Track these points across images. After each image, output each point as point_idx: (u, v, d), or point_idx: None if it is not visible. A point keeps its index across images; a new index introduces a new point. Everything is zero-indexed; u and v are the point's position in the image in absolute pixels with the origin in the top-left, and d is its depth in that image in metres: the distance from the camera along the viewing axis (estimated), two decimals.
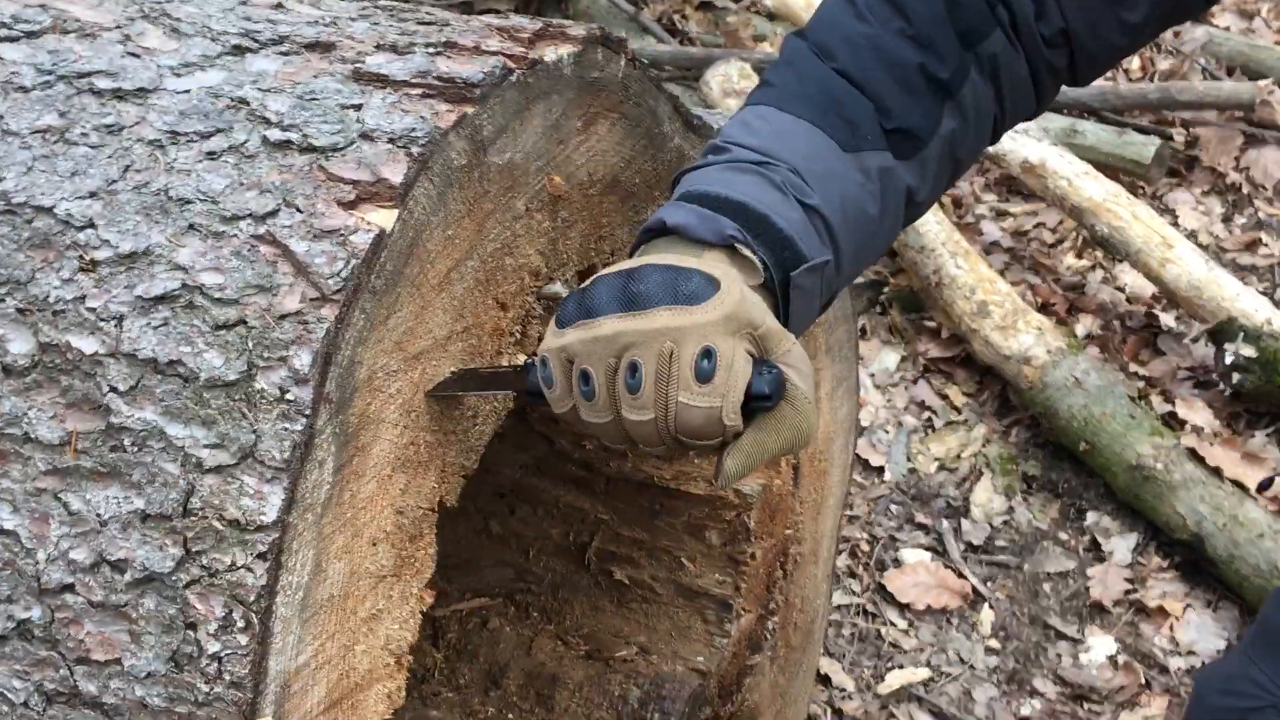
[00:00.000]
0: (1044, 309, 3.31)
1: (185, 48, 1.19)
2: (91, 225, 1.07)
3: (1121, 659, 2.72)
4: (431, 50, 1.14)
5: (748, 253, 1.03)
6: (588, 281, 1.02)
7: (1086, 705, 2.66)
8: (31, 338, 1.06)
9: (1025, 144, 3.28)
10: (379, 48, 1.16)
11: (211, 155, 1.08)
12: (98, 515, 1.02)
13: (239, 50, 1.18)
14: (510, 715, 1.87)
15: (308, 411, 0.98)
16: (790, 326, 1.08)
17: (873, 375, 3.31)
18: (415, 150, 1.05)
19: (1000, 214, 3.66)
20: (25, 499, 1.05)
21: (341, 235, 1.01)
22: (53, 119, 1.15)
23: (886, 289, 3.44)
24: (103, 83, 1.16)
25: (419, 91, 1.10)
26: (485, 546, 2.08)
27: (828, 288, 1.12)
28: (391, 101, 1.09)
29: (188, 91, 1.14)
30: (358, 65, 1.13)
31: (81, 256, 1.06)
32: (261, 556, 0.97)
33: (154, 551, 1.00)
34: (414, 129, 1.06)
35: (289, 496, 0.98)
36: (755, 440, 0.99)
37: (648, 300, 0.98)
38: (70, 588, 1.03)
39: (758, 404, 0.98)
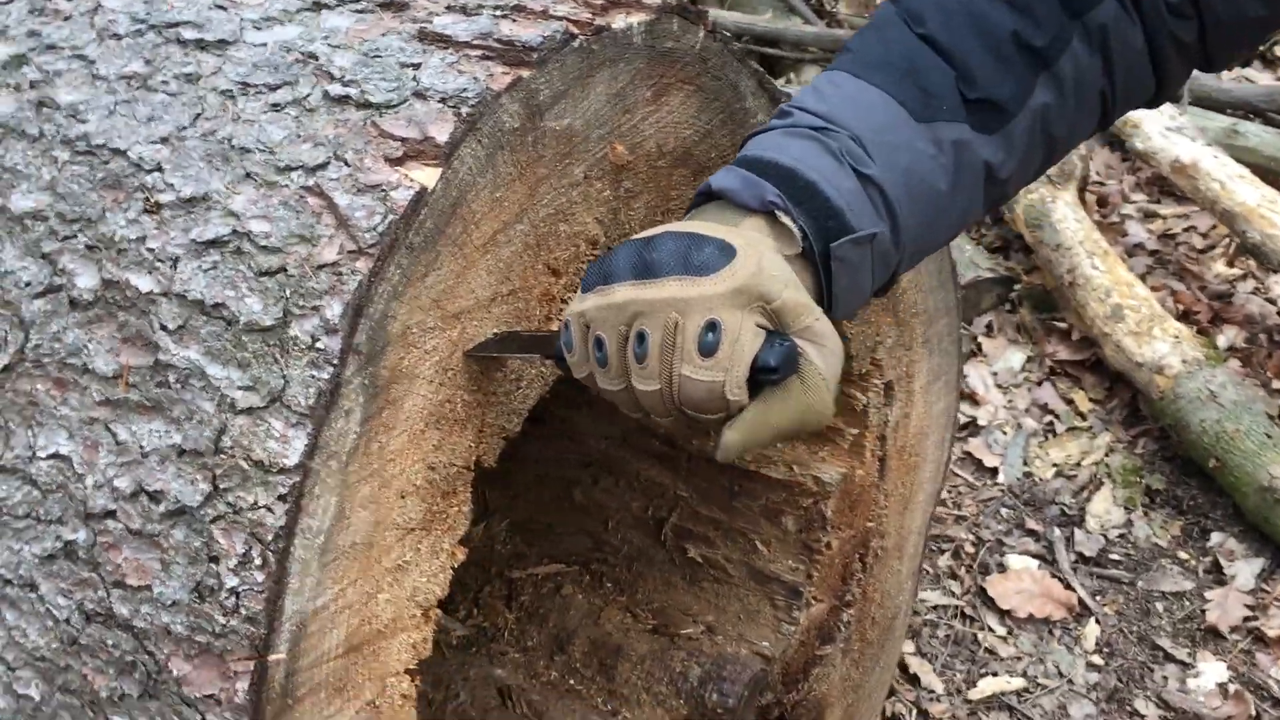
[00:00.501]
0: (1185, 317, 3.16)
1: (270, 3, 1.23)
2: (159, 169, 1.11)
3: (1233, 688, 2.59)
4: (499, 13, 1.15)
5: (787, 220, 1.01)
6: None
7: None
8: (97, 273, 1.11)
9: (1178, 142, 3.13)
10: (449, 9, 1.18)
11: (276, 107, 1.11)
12: (140, 447, 1.07)
13: (317, 6, 1.20)
14: (572, 681, 1.89)
15: (335, 361, 1.00)
16: (835, 300, 1.05)
17: (995, 374, 3.22)
18: (464, 111, 1.05)
19: (1149, 215, 3.50)
20: (80, 427, 1.10)
21: (383, 190, 1.03)
22: (139, 66, 1.20)
23: (1018, 286, 3.33)
24: (188, 33, 1.21)
25: (478, 53, 1.11)
26: (567, 514, 2.10)
27: (882, 263, 1.08)
28: (450, 62, 1.10)
29: (264, 45, 1.17)
30: (424, 25, 1.15)
31: (147, 199, 1.10)
32: (282, 498, 1.00)
33: (186, 485, 1.04)
34: (465, 89, 1.06)
35: (312, 442, 1.00)
36: (759, 414, 0.97)
37: (660, 269, 0.97)
38: (112, 514, 1.08)
39: (763, 377, 0.95)
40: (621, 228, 1.27)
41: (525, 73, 1.09)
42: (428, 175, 1.04)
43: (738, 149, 1.39)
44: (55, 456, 1.11)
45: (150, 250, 1.08)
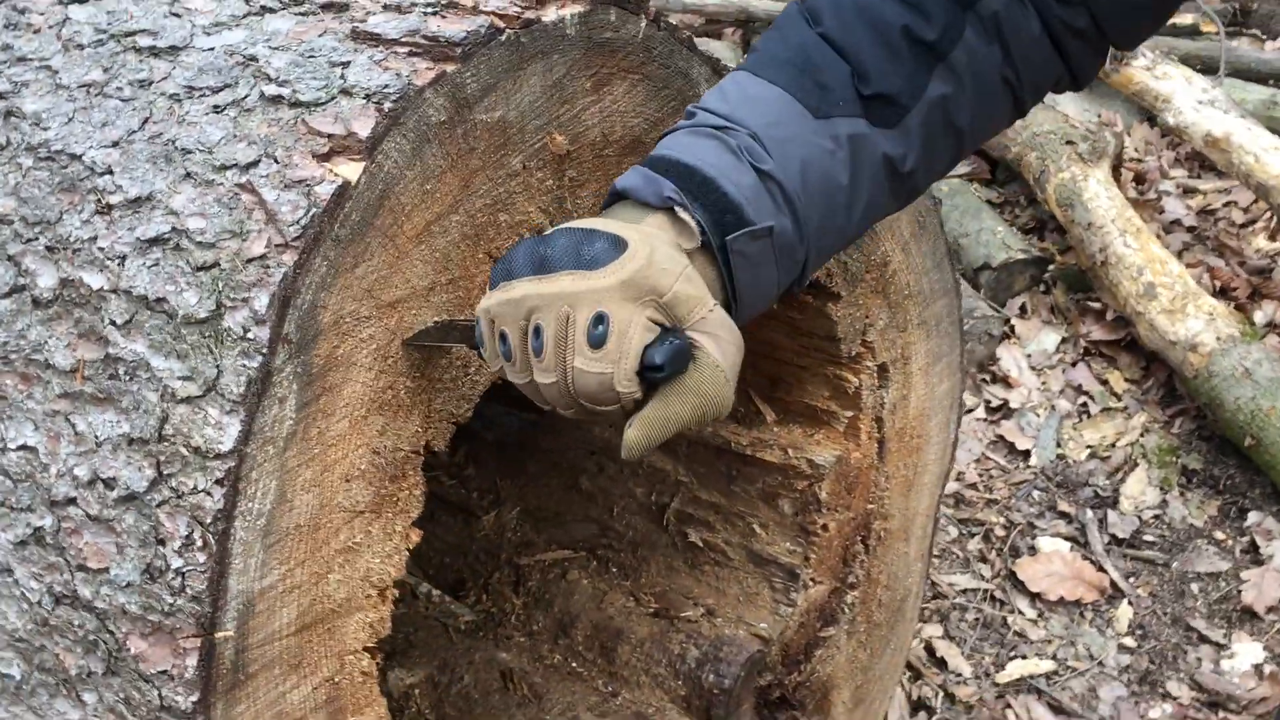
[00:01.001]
0: (1223, 293, 3.10)
1: (221, 8, 1.28)
2: (110, 171, 1.17)
3: (1268, 669, 2.54)
4: (430, 10, 1.19)
5: (685, 216, 1.03)
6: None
7: (1222, 713, 2.50)
8: (55, 273, 1.17)
9: (1210, 115, 3.08)
10: (385, 8, 1.21)
11: (216, 109, 1.16)
12: (95, 437, 1.12)
13: (264, 10, 1.25)
14: (574, 664, 1.93)
15: (264, 350, 1.04)
16: (738, 294, 1.07)
17: (1029, 356, 3.19)
18: (387, 106, 1.09)
19: (1188, 191, 3.44)
20: (44, 419, 1.16)
21: (308, 186, 1.07)
22: (98, 74, 1.26)
23: (1052, 267, 3.29)
24: (144, 40, 1.26)
25: (405, 50, 1.14)
26: (574, 501, 2.13)
27: (787, 257, 1.10)
28: (377, 59, 1.14)
29: (212, 49, 1.22)
30: (358, 25, 1.19)
31: (99, 200, 1.16)
32: (219, 482, 1.05)
33: (134, 472, 1.09)
34: (388, 85, 1.10)
35: (245, 428, 1.05)
36: (659, 409, 0.99)
37: (554, 264, 1.00)
38: (74, 501, 1.14)
39: (651, 375, 0.98)
40: (568, 216, 1.30)
41: (450, 67, 1.13)
42: (351, 169, 1.08)
43: None
44: (24, 448, 1.17)
45: (101, 249, 1.14)
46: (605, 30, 1.26)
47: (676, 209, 1.03)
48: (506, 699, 1.86)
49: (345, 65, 1.14)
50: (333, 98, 1.12)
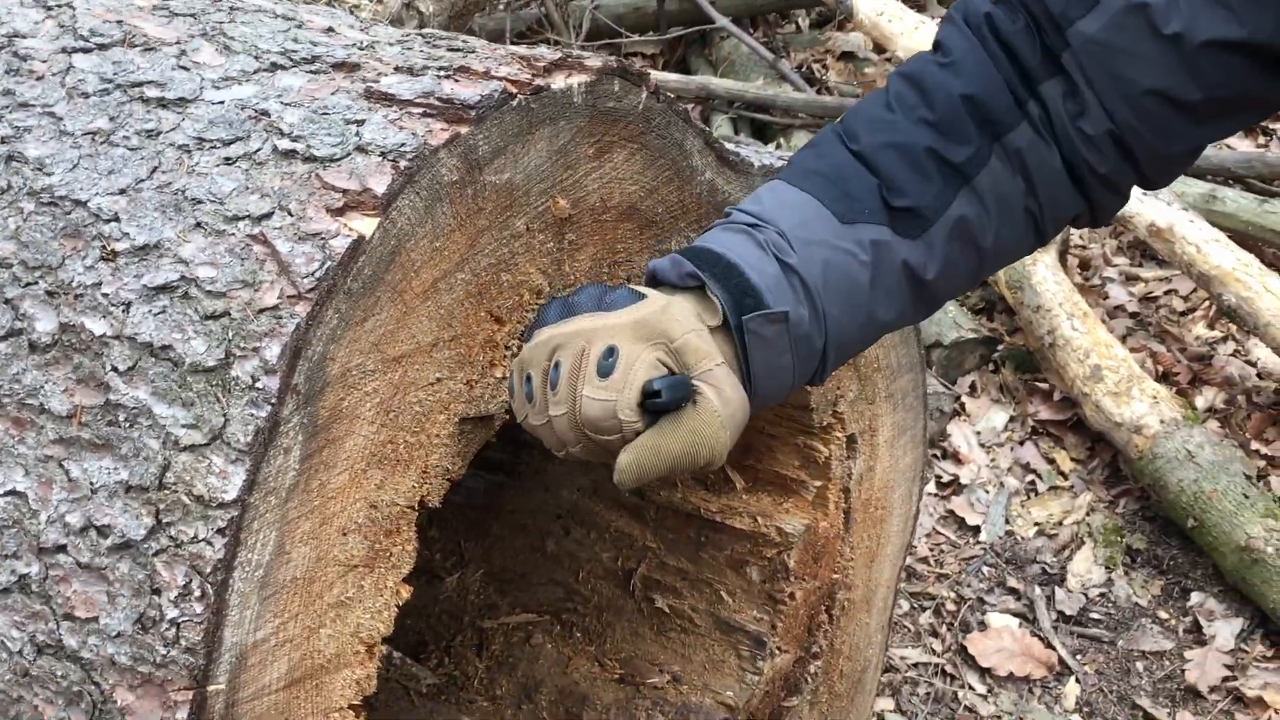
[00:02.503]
0: (1165, 378, 3.20)
1: (230, 63, 1.29)
2: (116, 219, 1.17)
3: None
4: (443, 74, 1.21)
5: (711, 295, 1.08)
6: None
7: None
8: (55, 318, 1.16)
9: (1154, 207, 3.19)
10: (397, 70, 1.24)
11: (228, 160, 1.17)
12: (90, 483, 1.11)
13: (274, 67, 1.27)
14: None
15: (274, 400, 1.05)
16: (753, 375, 1.12)
17: (979, 433, 3.25)
18: (403, 164, 1.11)
19: (1130, 278, 3.54)
20: (35, 464, 1.15)
21: (323, 239, 1.08)
22: (103, 122, 1.26)
23: (1001, 347, 3.37)
24: (151, 91, 1.27)
25: (420, 110, 1.16)
26: (540, 564, 2.13)
27: (806, 346, 1.15)
28: (392, 119, 1.16)
29: (221, 103, 1.24)
30: (372, 85, 1.21)
31: (104, 246, 1.16)
32: (220, 531, 1.04)
33: (131, 520, 1.08)
34: (404, 144, 1.12)
35: (250, 478, 1.05)
36: (653, 439, 1.05)
37: (577, 309, 1.10)
38: (63, 548, 1.12)
39: (653, 402, 1.02)
40: (565, 278, 1.32)
41: (464, 129, 1.15)
42: (366, 224, 1.09)
43: (685, 205, 1.46)
44: (12, 493, 1.16)
45: (105, 295, 1.14)
46: (609, 99, 1.30)
47: (707, 288, 1.09)
48: None
49: (360, 123, 1.16)
50: (348, 154, 1.13)
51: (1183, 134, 1.16)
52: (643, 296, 1.08)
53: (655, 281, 1.17)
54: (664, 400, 1.03)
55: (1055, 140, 1.19)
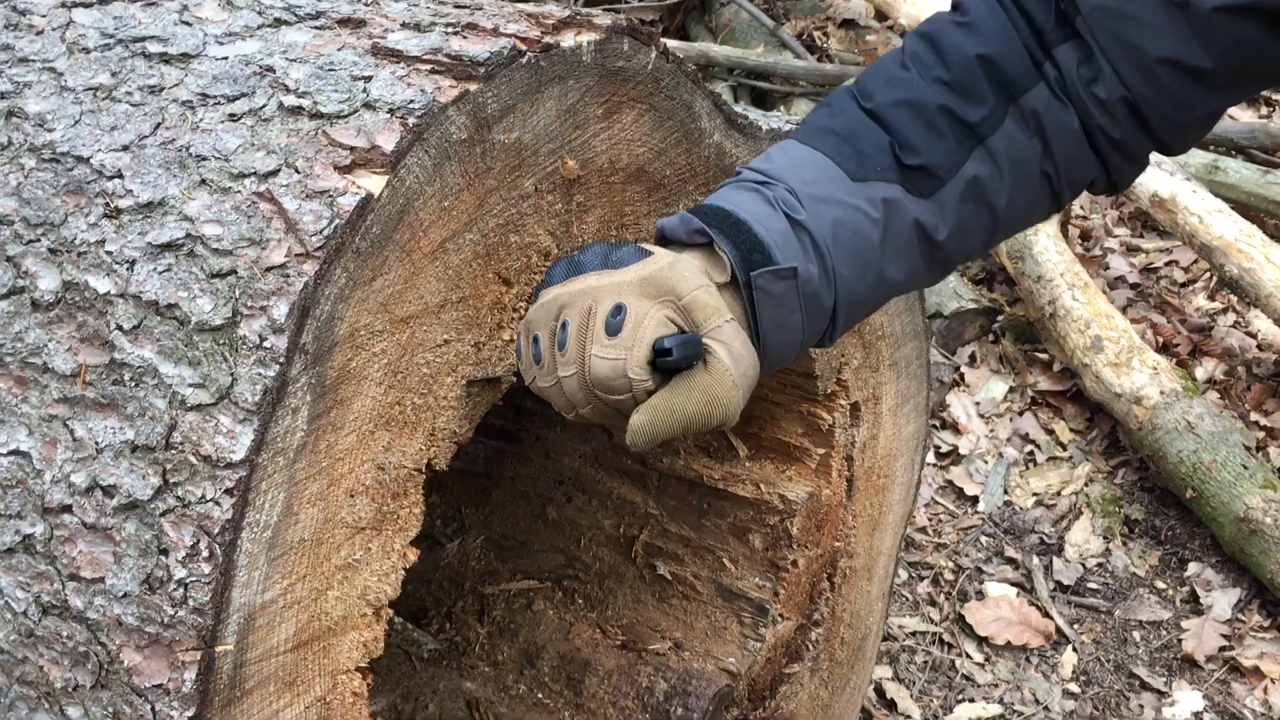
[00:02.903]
0: (1165, 349, 3.19)
1: (233, 19, 1.27)
2: (120, 175, 1.15)
3: (1208, 717, 2.59)
4: (451, 30, 1.19)
5: (719, 251, 1.07)
6: None
7: None
8: (58, 275, 1.15)
9: (1157, 177, 3.17)
10: (404, 26, 1.22)
11: (232, 117, 1.15)
12: (96, 443, 1.10)
13: (278, 23, 1.25)
14: (540, 695, 1.91)
15: (282, 359, 1.03)
16: (762, 334, 1.10)
17: (978, 404, 3.24)
18: (411, 121, 1.09)
19: (1131, 249, 3.53)
20: (39, 424, 1.14)
21: (331, 196, 1.06)
22: (105, 78, 1.24)
23: (1001, 317, 3.36)
24: (154, 47, 1.25)
25: (428, 67, 1.15)
26: (541, 531, 2.12)
27: (815, 305, 1.13)
28: (400, 75, 1.14)
29: (225, 58, 1.22)
30: (379, 41, 1.19)
31: (107, 204, 1.14)
32: (228, 492, 1.03)
33: (138, 480, 1.07)
34: (413, 101, 1.10)
35: (258, 438, 1.03)
36: (666, 400, 1.03)
37: (584, 268, 1.07)
38: (69, 508, 1.11)
39: (663, 361, 1.01)
40: (574, 240, 1.30)
41: (473, 86, 1.13)
42: (374, 182, 1.07)
43: (693, 168, 1.44)
44: (15, 453, 1.14)
45: (109, 253, 1.12)
46: (618, 59, 1.28)
47: (714, 244, 1.07)
48: None
49: (367, 79, 1.14)
50: (355, 110, 1.11)
51: (1196, 101, 1.14)
52: (649, 254, 1.06)
53: (664, 240, 1.15)
54: (675, 359, 1.01)
55: (1071, 102, 1.18)
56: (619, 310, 1.02)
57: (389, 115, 1.10)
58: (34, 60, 1.29)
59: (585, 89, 1.25)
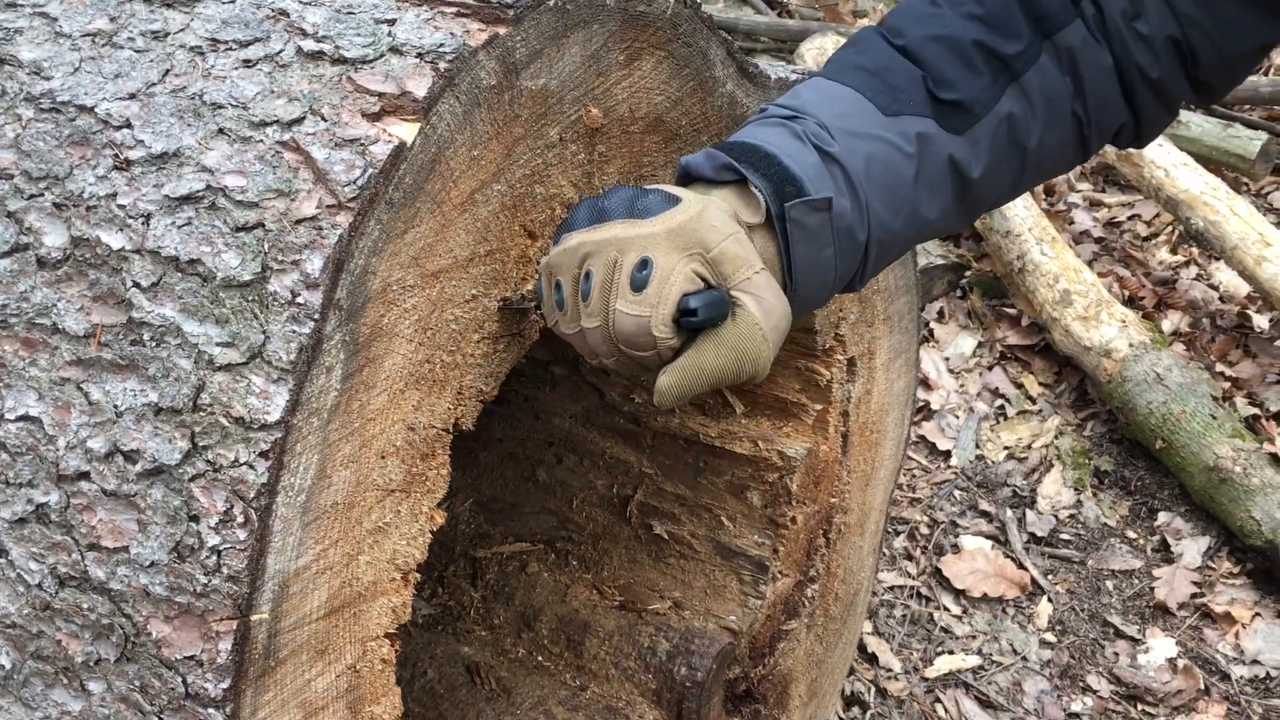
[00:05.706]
0: (1131, 302, 3.22)
1: None
2: (128, 125, 1.09)
3: (1181, 663, 2.64)
4: None
5: (752, 187, 1.03)
6: None
7: (1140, 706, 2.59)
8: (65, 231, 1.09)
9: None
10: None
11: (247, 63, 1.10)
12: (115, 406, 1.05)
13: None
14: (539, 658, 1.88)
15: (316, 316, 0.99)
16: (795, 268, 1.07)
17: (947, 359, 3.25)
18: (442, 66, 1.05)
19: (1094, 204, 3.56)
20: (50, 387, 1.08)
21: (362, 145, 1.02)
22: (103, 23, 1.18)
23: (969, 273, 3.37)
24: None
25: (454, 10, 1.10)
26: (531, 493, 2.09)
27: (848, 239, 1.10)
28: (425, 18, 1.09)
29: (232, 1, 1.16)
30: None
31: (116, 155, 1.09)
32: (264, 455, 0.99)
33: (164, 444, 1.02)
34: (443, 45, 1.06)
35: (294, 398, 0.99)
36: (693, 358, 1.00)
37: (609, 214, 1.02)
38: (86, 475, 1.06)
39: (688, 321, 0.98)
40: (594, 192, 1.27)
41: (501, 30, 1.09)
42: (406, 130, 1.03)
43: (707, 118, 1.41)
44: (25, 418, 1.09)
45: (121, 207, 1.07)
46: (640, 3, 1.24)
47: (746, 182, 1.04)
48: (474, 693, 1.81)
49: (391, 22, 1.09)
50: (381, 55, 1.07)
51: (1250, 28, 1.12)
52: (677, 201, 1.01)
53: (688, 178, 1.11)
54: (700, 319, 0.98)
55: (1108, 40, 1.16)
56: (645, 264, 0.99)
57: (418, 60, 1.05)
58: (23, 5, 1.22)
59: (609, 34, 1.21)
